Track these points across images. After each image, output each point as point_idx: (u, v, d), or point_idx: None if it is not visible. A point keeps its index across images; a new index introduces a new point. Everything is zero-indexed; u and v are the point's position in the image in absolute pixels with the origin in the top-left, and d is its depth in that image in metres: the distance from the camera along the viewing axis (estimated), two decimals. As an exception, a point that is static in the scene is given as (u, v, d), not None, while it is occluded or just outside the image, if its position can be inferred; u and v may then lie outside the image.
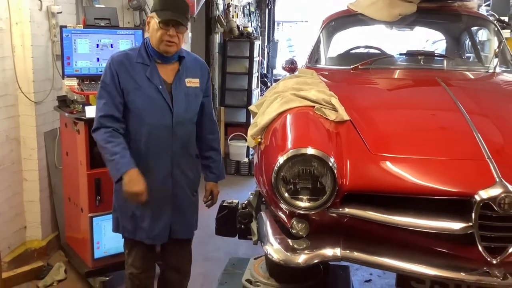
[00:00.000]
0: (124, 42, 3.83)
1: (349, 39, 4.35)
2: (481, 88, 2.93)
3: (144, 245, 2.72)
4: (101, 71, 3.72)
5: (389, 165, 2.00)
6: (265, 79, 9.64)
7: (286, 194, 1.99)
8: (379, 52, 3.54)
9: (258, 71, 8.01)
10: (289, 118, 2.32)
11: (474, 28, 4.02)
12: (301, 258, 1.96)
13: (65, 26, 3.68)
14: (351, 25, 4.09)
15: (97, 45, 3.76)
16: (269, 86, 9.71)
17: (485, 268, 1.84)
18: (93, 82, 3.75)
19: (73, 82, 3.66)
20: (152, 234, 2.67)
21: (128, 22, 5.02)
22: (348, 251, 1.96)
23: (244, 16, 8.87)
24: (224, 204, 2.81)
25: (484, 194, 1.80)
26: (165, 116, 2.59)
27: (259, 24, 10.62)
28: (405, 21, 3.58)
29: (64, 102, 3.79)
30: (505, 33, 4.54)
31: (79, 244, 3.79)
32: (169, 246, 2.79)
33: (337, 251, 1.97)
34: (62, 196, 4.02)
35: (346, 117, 2.29)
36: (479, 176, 1.88)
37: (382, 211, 1.94)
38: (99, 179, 3.40)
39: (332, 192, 1.94)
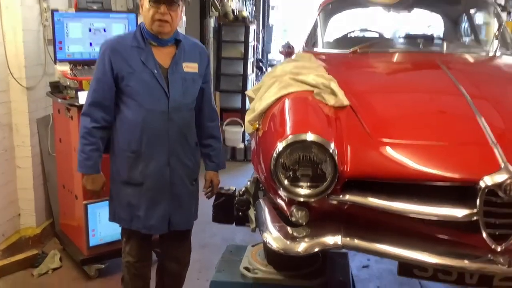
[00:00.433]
0: (117, 26, 3.74)
1: (346, 23, 4.29)
2: (483, 72, 2.88)
3: (141, 234, 2.68)
4: (94, 55, 3.70)
5: (391, 151, 1.95)
6: (260, 64, 9.55)
7: (286, 182, 1.94)
8: (377, 35, 3.47)
9: (253, 56, 7.92)
10: (287, 103, 2.26)
11: (473, 10, 3.96)
12: (301, 247, 1.92)
13: (57, 10, 3.59)
14: (348, 7, 4.03)
15: (90, 29, 3.67)
16: (264, 71, 9.71)
17: (489, 255, 1.80)
18: (86, 67, 3.68)
19: (66, 67, 3.60)
20: (148, 223, 2.62)
21: (121, 6, 4.93)
22: (349, 239, 1.92)
23: (238, 0, 8.75)
24: (221, 191, 2.76)
25: (489, 180, 1.76)
26: (160, 101, 2.52)
27: (254, 9, 10.50)
28: (403, 4, 3.52)
29: (56, 88, 3.72)
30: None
31: (74, 231, 3.76)
32: (169, 236, 2.74)
33: (338, 239, 1.93)
34: (56, 183, 3.97)
35: (346, 101, 2.24)
36: (483, 162, 1.83)
37: (384, 198, 1.89)
38: (94, 166, 3.34)
39: (333, 178, 1.90)
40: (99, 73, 2.54)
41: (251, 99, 2.67)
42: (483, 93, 2.31)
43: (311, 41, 3.62)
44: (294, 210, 2.00)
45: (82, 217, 3.47)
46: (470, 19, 4.00)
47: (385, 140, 2.00)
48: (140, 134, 2.53)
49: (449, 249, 1.87)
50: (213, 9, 6.72)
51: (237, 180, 3.38)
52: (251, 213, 2.58)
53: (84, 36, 3.66)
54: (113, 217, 2.73)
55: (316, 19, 3.70)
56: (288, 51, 3.88)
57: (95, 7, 3.75)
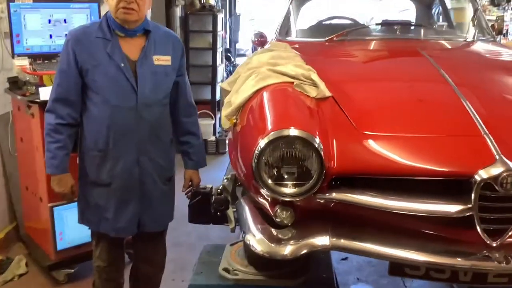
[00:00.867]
0: (79, 17, 3.54)
1: (319, 10, 4.19)
2: (464, 58, 2.82)
3: (111, 237, 2.54)
4: (55, 48, 3.50)
5: (379, 145, 1.85)
6: (229, 54, 9.38)
7: (269, 181, 1.82)
8: (352, 22, 3.38)
9: (222, 46, 7.74)
10: (266, 95, 2.13)
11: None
12: (287, 250, 1.81)
13: (13, 1, 3.35)
14: (321, -6, 3.92)
15: (49, 21, 3.45)
16: (233, 61, 9.55)
17: (484, 251, 1.73)
18: (47, 62, 3.47)
19: (25, 62, 3.37)
20: (116, 225, 2.48)
21: (83, -5, 4.70)
22: (338, 240, 1.82)
23: (204, -12, 8.54)
24: (197, 190, 2.62)
25: (484, 173, 1.68)
26: (128, 97, 2.35)
27: (220, -3, 10.30)
28: (377, -11, 3.44)
29: (15, 84, 3.49)
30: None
31: (40, 235, 3.57)
32: (141, 238, 2.61)
33: (326, 240, 1.82)
34: (19, 184, 3.76)
35: (328, 93, 2.12)
36: (477, 154, 1.75)
37: (373, 194, 1.80)
38: (59, 166, 3.16)
39: (320, 176, 1.78)
40: (63, 65, 2.36)
41: (226, 92, 2.52)
42: (467, 80, 2.24)
43: (284, 29, 3.50)
44: (279, 211, 1.88)
45: (48, 220, 3.29)
46: (443, 4, 3.96)
47: (372, 133, 1.90)
48: (106, 132, 2.37)
49: (441, 247, 1.80)
50: (179, -2, 6.52)
51: (210, 173, 3.25)
52: (230, 212, 2.46)
53: (44, 28, 3.44)
54: (81, 219, 2.59)
55: (289, 7, 3.58)
56: (260, 40, 3.75)
57: (54, -3, 3.54)
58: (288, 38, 3.38)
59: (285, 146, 1.81)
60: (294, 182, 1.82)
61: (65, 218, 3.29)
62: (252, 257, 2.49)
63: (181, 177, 2.71)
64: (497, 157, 1.71)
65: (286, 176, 1.82)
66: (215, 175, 4.10)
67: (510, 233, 1.74)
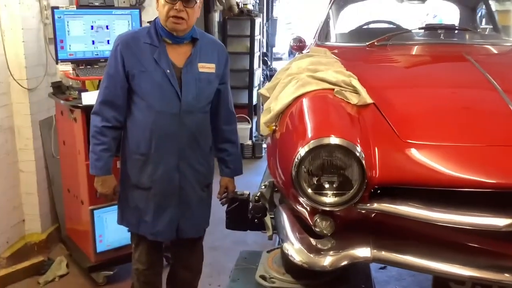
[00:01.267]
0: (121, 23, 3.60)
1: (358, 14, 4.13)
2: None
3: (150, 240, 2.57)
4: (97, 54, 3.58)
5: (423, 154, 1.78)
6: (266, 58, 9.37)
7: (309, 190, 1.78)
8: (394, 27, 3.30)
9: (259, 50, 7.74)
10: (306, 102, 2.09)
11: (491, -1, 3.79)
12: (326, 261, 1.77)
13: (57, 7, 3.44)
14: (361, -2, 3.85)
15: (92, 27, 3.53)
16: (270, 65, 9.53)
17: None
18: (89, 67, 3.55)
19: (68, 67, 3.47)
20: (155, 229, 2.50)
21: (124, 2, 4.78)
22: (380, 252, 1.77)
23: (242, -8, 8.56)
24: (234, 196, 2.60)
25: (535, 186, 1.60)
26: (172, 103, 2.38)
27: (258, 1, 10.31)
28: (419, -7, 3.35)
29: (59, 89, 3.59)
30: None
31: (80, 237, 3.64)
32: (179, 243, 2.63)
33: (367, 252, 1.77)
34: (61, 187, 3.84)
35: (369, 100, 2.07)
36: (527, 165, 1.67)
37: (417, 206, 1.73)
38: (99, 170, 3.21)
39: (361, 185, 1.73)
40: (111, 69, 2.41)
41: (265, 98, 2.50)
42: (516, 87, 2.14)
43: (324, 34, 3.45)
44: (318, 220, 1.83)
45: (88, 222, 3.35)
46: (488, 8, 3.82)
47: (416, 141, 1.83)
48: (149, 137, 2.41)
49: (488, 261, 1.72)
50: (218, 3, 6.54)
51: (246, 178, 3.24)
52: (267, 219, 2.43)
53: (86, 34, 3.52)
54: (121, 220, 2.63)
55: (328, 12, 3.53)
56: (299, 45, 3.71)
57: (96, 4, 3.61)
58: (328, 43, 3.33)
59: (326, 154, 1.77)
60: (335, 192, 1.77)
61: (105, 221, 3.35)
62: (289, 265, 2.45)
63: (216, 183, 2.72)
64: (549, 169, 1.63)
65: (326, 185, 1.78)
66: (252, 179, 4.09)
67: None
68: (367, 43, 2.99)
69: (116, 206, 2.67)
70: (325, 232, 1.83)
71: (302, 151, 1.76)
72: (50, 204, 3.99)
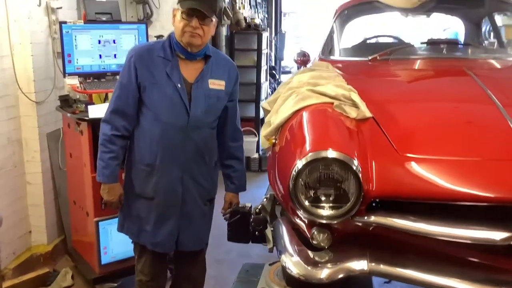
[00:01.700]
0: (127, 37, 3.65)
1: (362, 29, 4.15)
2: (512, 78, 2.71)
3: (153, 252, 2.58)
4: (104, 68, 3.63)
5: (420, 168, 1.80)
6: (273, 71, 9.43)
7: (306, 202, 1.80)
8: (396, 41, 3.32)
9: (266, 64, 7.79)
10: (306, 116, 2.12)
11: (496, 13, 3.80)
12: (323, 273, 1.78)
13: (65, 22, 3.51)
14: (365, 13, 3.89)
15: (99, 41, 3.58)
16: (278, 79, 9.57)
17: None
18: (96, 80, 3.60)
19: (75, 81, 3.52)
20: (154, 239, 2.53)
21: (132, 16, 4.86)
22: (376, 264, 1.78)
23: (250, 7, 8.64)
24: (236, 209, 2.62)
25: (530, 200, 1.60)
26: (180, 118, 2.41)
27: (266, 16, 10.39)
28: (423, 8, 3.36)
29: (66, 102, 3.64)
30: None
31: (85, 249, 3.66)
32: (181, 255, 2.65)
33: (364, 265, 1.78)
34: (68, 199, 3.88)
35: (368, 114, 2.09)
36: (522, 179, 1.67)
37: (414, 219, 1.74)
38: (104, 182, 3.24)
39: (357, 198, 1.75)
40: (123, 79, 2.45)
41: (267, 112, 2.54)
42: (516, 101, 2.14)
43: (327, 48, 3.48)
44: (316, 233, 1.85)
45: (93, 234, 3.37)
46: (493, 22, 3.84)
47: (413, 155, 1.85)
48: (156, 148, 2.44)
49: (484, 275, 1.72)
50: (225, 18, 6.60)
51: (252, 191, 3.26)
52: (268, 232, 2.44)
53: (94, 48, 3.57)
54: (121, 227, 2.65)
55: (332, 26, 3.56)
56: (303, 59, 3.75)
57: (104, 19, 3.67)
58: (332, 57, 3.36)
59: (323, 167, 1.79)
60: (331, 205, 1.79)
61: (110, 233, 3.37)
62: (290, 278, 2.44)
63: (220, 198, 2.74)
64: (544, 182, 1.63)
65: (323, 198, 1.80)
66: (258, 192, 4.10)
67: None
68: (369, 58, 3.01)
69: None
70: (322, 244, 1.85)
71: (299, 163, 1.78)
72: (56, 216, 4.02)
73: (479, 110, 2.15)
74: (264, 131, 2.30)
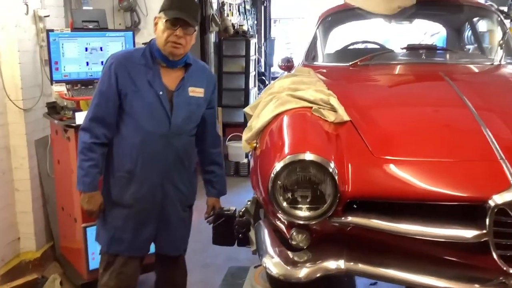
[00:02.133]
0: (114, 45, 3.69)
1: (347, 35, 4.22)
2: (488, 82, 2.78)
3: (122, 264, 2.53)
4: (91, 75, 3.66)
5: (394, 169, 1.86)
6: (263, 77, 9.50)
7: (284, 203, 1.85)
8: (378, 47, 3.40)
9: (255, 70, 7.86)
10: (285, 120, 2.18)
11: (475, 19, 3.88)
12: (302, 272, 1.83)
13: (52, 30, 3.55)
14: (348, 20, 3.96)
15: (86, 49, 3.62)
16: (267, 84, 9.62)
17: (501, 278, 1.71)
18: (83, 87, 3.63)
19: (62, 88, 3.54)
20: (132, 245, 2.52)
21: (120, 24, 4.90)
22: (352, 263, 1.83)
23: (239, 14, 8.72)
24: (220, 212, 2.67)
25: (498, 198, 1.67)
26: (161, 125, 2.44)
27: (255, 22, 10.47)
28: (404, 14, 3.43)
29: (54, 109, 3.67)
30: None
31: (74, 255, 3.68)
32: (160, 260, 2.66)
33: (341, 264, 1.83)
34: (56, 205, 3.89)
35: (346, 117, 2.15)
36: (492, 179, 1.74)
37: (389, 219, 1.80)
38: (92, 188, 3.27)
39: (334, 200, 1.81)
40: (103, 87, 2.43)
41: (249, 116, 2.59)
42: (488, 104, 2.23)
43: (311, 54, 3.55)
44: (294, 233, 1.91)
45: (81, 240, 3.39)
46: (473, 28, 3.92)
47: (388, 157, 1.91)
48: (136, 155, 2.45)
49: (458, 272, 1.78)
50: (213, 25, 6.68)
51: (241, 196, 3.29)
52: (252, 234, 2.49)
53: (81, 56, 3.61)
54: (97, 236, 2.65)
55: (315, 32, 3.63)
56: (287, 65, 3.81)
57: (91, 26, 3.71)
58: (315, 63, 3.42)
59: (300, 170, 1.84)
60: (308, 206, 1.85)
61: (97, 239, 3.39)
62: (273, 280, 2.50)
63: (200, 204, 2.78)
64: (512, 182, 1.69)
65: (300, 200, 1.85)
66: (246, 197, 4.12)
67: (527, 260, 1.71)
68: (350, 63, 3.08)
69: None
70: (301, 245, 1.91)
71: (278, 166, 1.84)
72: (45, 222, 4.03)
73: (453, 113, 2.22)
74: (245, 135, 2.35)
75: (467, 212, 1.77)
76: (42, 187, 3.99)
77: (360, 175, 1.86)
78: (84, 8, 4.29)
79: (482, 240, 1.72)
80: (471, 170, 1.83)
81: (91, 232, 3.36)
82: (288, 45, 15.95)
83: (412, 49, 3.18)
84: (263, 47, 10.51)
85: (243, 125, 7.17)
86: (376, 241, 1.90)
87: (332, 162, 1.85)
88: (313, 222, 1.85)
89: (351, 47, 3.56)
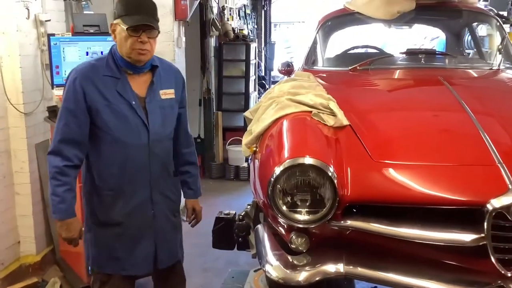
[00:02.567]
0: (115, 49, 3.71)
1: (346, 39, 4.24)
2: (486, 87, 2.81)
3: (118, 281, 2.43)
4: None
5: (393, 173, 1.88)
6: (263, 81, 9.52)
7: (284, 207, 1.87)
8: (377, 51, 3.41)
9: (255, 74, 7.88)
10: (285, 125, 2.20)
11: (475, 24, 3.90)
12: (301, 276, 1.84)
13: (53, 34, 3.57)
14: (347, 24, 3.98)
15: (87, 53, 3.64)
16: (267, 89, 9.64)
17: (499, 281, 1.72)
18: (84, 91, 3.64)
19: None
20: (129, 263, 2.38)
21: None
22: (351, 267, 1.84)
23: (240, 18, 8.74)
24: (220, 216, 2.68)
25: (496, 202, 1.68)
26: (140, 135, 2.31)
27: (256, 26, 10.50)
28: (404, 19, 3.45)
29: (54, 113, 3.66)
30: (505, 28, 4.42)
31: (73, 259, 3.68)
32: (159, 271, 2.55)
33: (340, 267, 1.85)
34: (56, 209, 3.90)
35: (345, 122, 2.17)
36: (490, 183, 1.75)
37: (387, 223, 1.81)
38: (92, 192, 3.27)
39: (333, 203, 1.82)
40: (69, 104, 2.25)
41: (249, 121, 2.61)
42: (487, 109, 2.24)
43: (311, 59, 3.56)
44: (294, 237, 1.92)
45: (81, 244, 3.38)
46: (472, 33, 3.94)
47: (387, 161, 1.93)
48: (118, 171, 2.31)
49: (457, 276, 1.80)
50: (214, 29, 6.69)
51: (241, 200, 3.31)
52: (252, 238, 2.50)
53: (81, 60, 3.59)
54: (87, 259, 2.51)
55: (315, 37, 3.64)
56: (287, 69, 3.82)
57: (91, 31, 3.72)
58: (315, 67, 3.43)
59: (300, 174, 1.86)
60: (308, 209, 1.86)
61: (97, 242, 3.39)
62: (273, 284, 2.50)
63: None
64: (510, 186, 1.70)
65: (299, 203, 1.86)
66: (246, 201, 4.14)
67: (525, 264, 1.72)
68: (350, 68, 3.09)
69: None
70: (300, 248, 1.92)
71: (277, 170, 1.86)
72: (45, 226, 4.03)
73: (452, 118, 2.23)
74: (245, 139, 2.37)
75: (466, 216, 1.78)
76: (43, 191, 3.99)
77: (359, 179, 1.87)
78: (85, 12, 4.30)
79: (480, 244, 1.73)
80: (469, 174, 1.84)
81: (91, 235, 3.38)
82: (288, 49, 15.99)
83: (411, 53, 3.19)
84: (263, 51, 10.55)
85: (243, 129, 7.11)
86: (375, 244, 1.91)
87: (331, 166, 1.86)
88: (313, 226, 1.86)
89: (350, 51, 3.57)
